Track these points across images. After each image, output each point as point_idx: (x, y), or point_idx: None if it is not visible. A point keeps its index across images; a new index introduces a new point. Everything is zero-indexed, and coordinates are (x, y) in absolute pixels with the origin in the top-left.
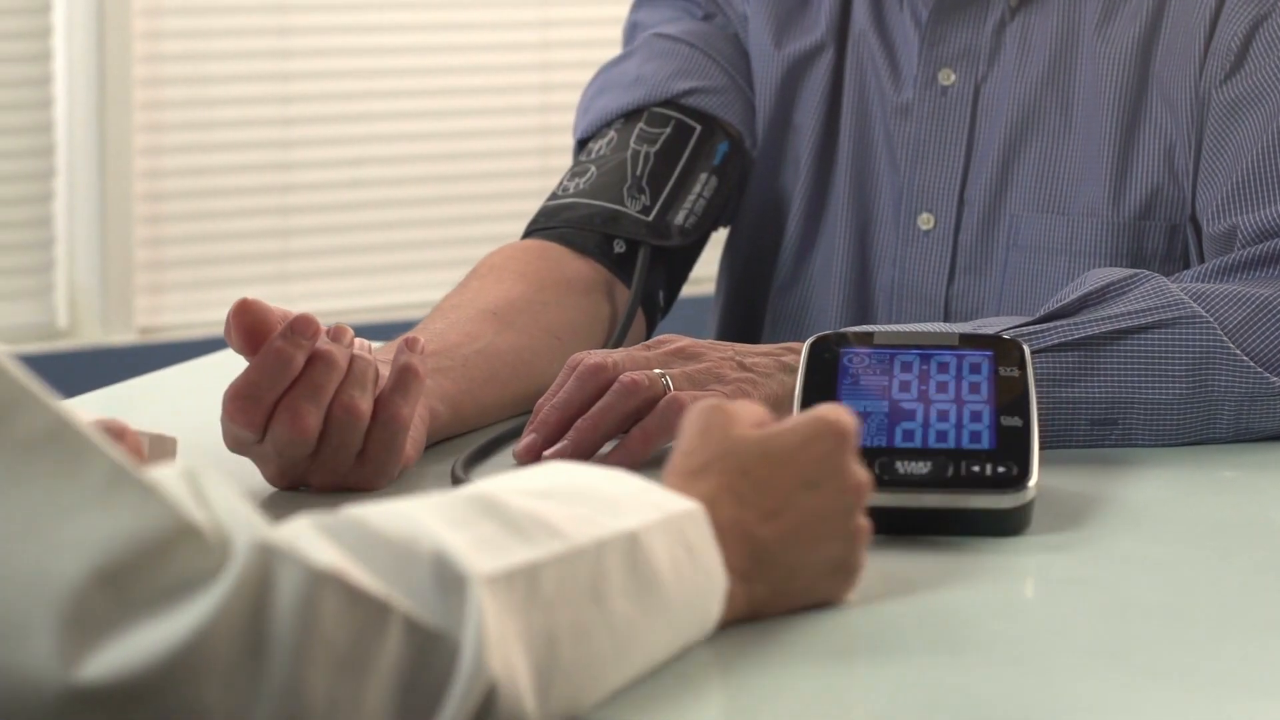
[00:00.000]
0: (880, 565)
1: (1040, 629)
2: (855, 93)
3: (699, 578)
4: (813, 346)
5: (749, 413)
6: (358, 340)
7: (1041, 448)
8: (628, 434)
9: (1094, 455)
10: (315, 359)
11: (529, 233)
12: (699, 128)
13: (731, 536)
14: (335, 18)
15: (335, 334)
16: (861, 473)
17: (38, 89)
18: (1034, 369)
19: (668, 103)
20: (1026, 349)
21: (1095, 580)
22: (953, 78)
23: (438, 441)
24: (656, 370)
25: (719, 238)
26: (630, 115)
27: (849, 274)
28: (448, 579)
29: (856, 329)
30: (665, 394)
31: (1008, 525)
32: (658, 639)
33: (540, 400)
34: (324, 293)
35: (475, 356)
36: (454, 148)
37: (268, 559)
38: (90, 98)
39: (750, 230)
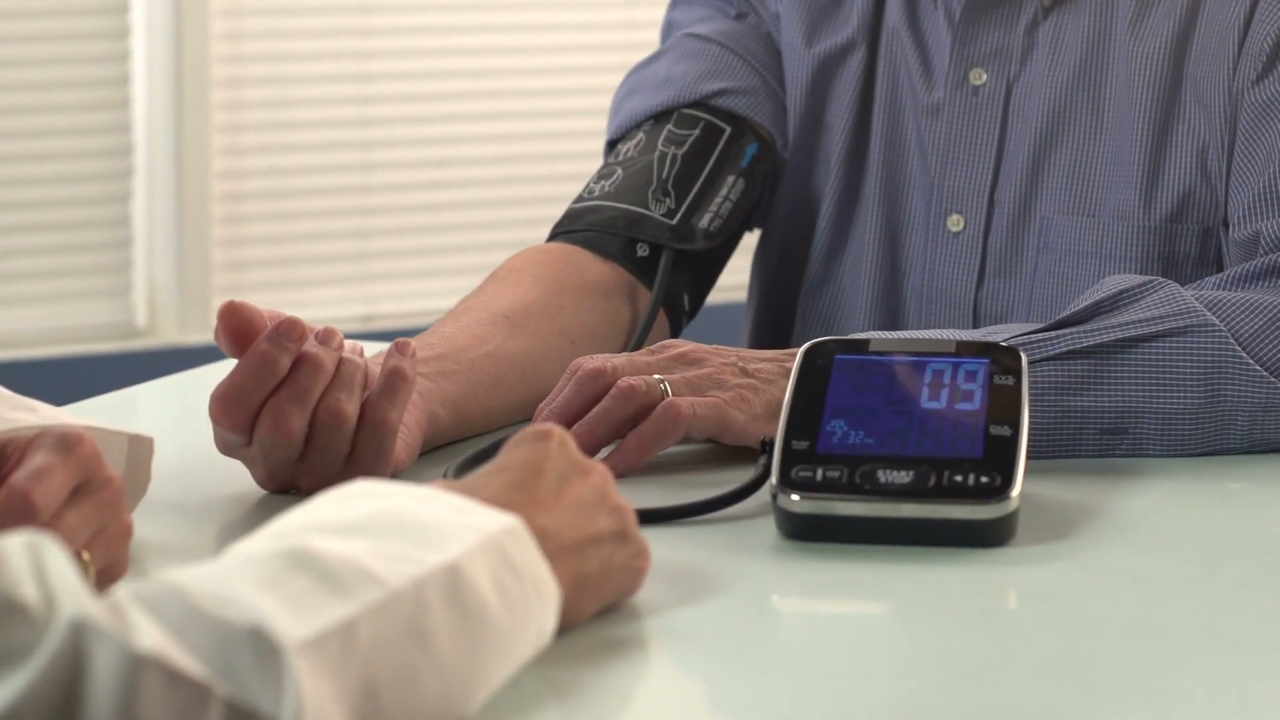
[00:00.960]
0: (854, 575)
1: (1000, 643)
2: (887, 92)
3: (528, 595)
4: (807, 353)
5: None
6: (348, 343)
7: (1051, 456)
8: (624, 440)
9: (1100, 465)
10: (301, 362)
11: (554, 235)
12: (728, 129)
13: None
14: (417, 18)
15: (323, 337)
16: (595, 462)
17: (116, 89)
18: (1042, 376)
19: (697, 104)
20: (1024, 357)
21: (1068, 594)
22: (984, 77)
23: (441, 445)
24: (656, 376)
25: (751, 242)
26: (659, 117)
27: (879, 276)
28: (264, 652)
29: (853, 336)
30: (663, 400)
31: (989, 536)
32: (491, 665)
33: (541, 404)
34: (404, 294)
35: (482, 360)
36: (535, 149)
37: (84, 638)
38: (168, 98)
39: (781, 231)
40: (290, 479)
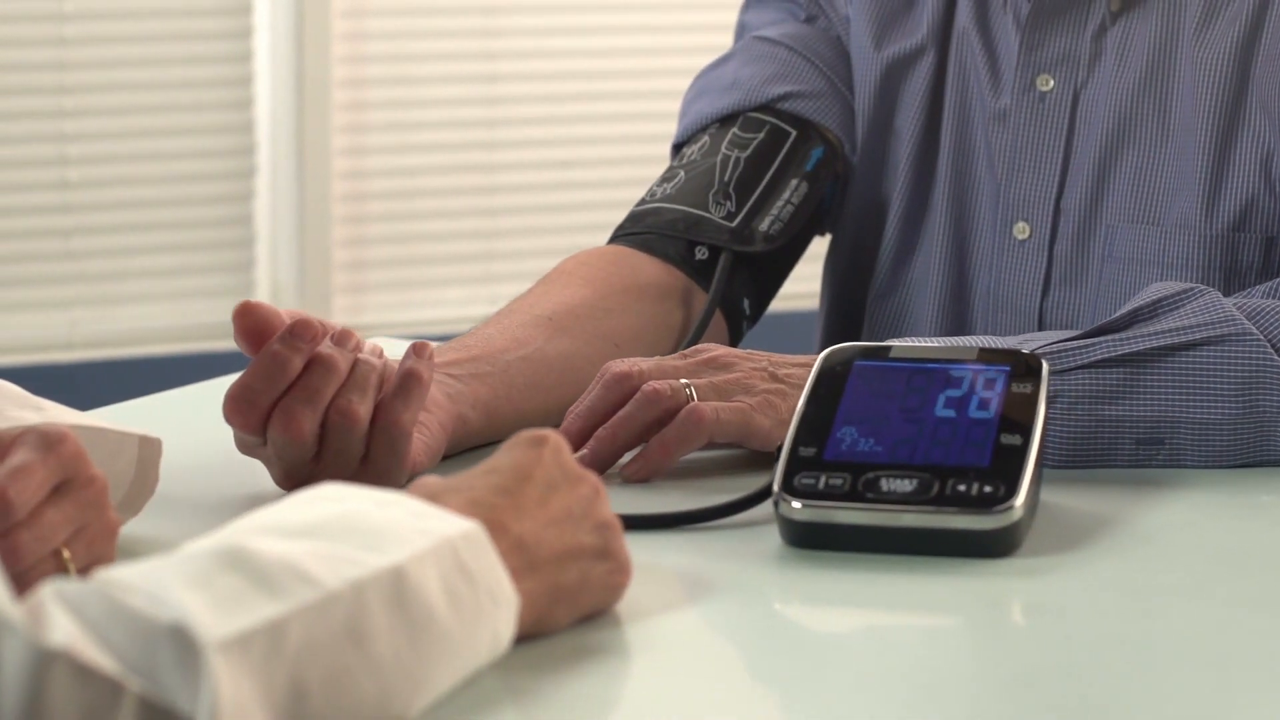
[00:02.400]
0: (851, 584)
1: (979, 656)
2: (957, 96)
3: (481, 601)
4: (826, 359)
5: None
6: (368, 344)
7: (1085, 466)
8: (647, 444)
9: (1134, 475)
10: (314, 363)
11: (614, 238)
12: (794, 133)
13: (494, 533)
14: (543, 19)
15: (339, 338)
16: (588, 473)
17: (239, 89)
18: (1076, 385)
19: (763, 108)
20: (1045, 365)
21: (1062, 608)
22: (1051, 83)
23: (474, 447)
24: (682, 380)
25: (823, 248)
26: (725, 120)
27: (947, 282)
28: (185, 650)
29: (875, 343)
30: (688, 404)
31: (990, 547)
32: (435, 669)
33: (571, 407)
34: None
35: (518, 363)
36: (660, 151)
37: None
38: (290, 98)
39: (850, 236)
40: (307, 479)
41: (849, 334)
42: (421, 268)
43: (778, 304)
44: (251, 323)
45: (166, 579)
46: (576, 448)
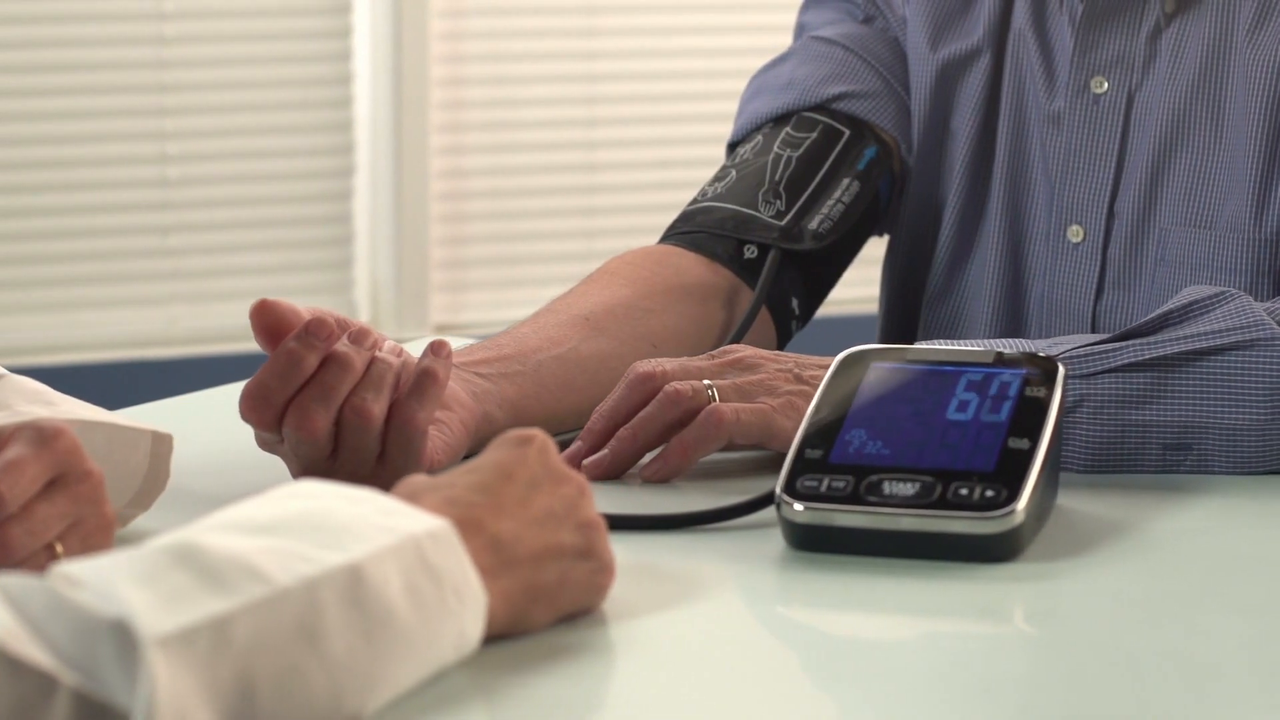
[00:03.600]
0: (848, 587)
1: (959, 663)
2: (1013, 98)
3: (446, 599)
4: (842, 361)
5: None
6: (388, 343)
7: (1112, 471)
8: (666, 445)
9: (1160, 481)
10: (329, 361)
11: (665, 237)
12: (847, 132)
13: (468, 530)
14: (643, 19)
15: (357, 337)
16: (573, 472)
17: (338, 88)
18: (1103, 389)
19: (818, 107)
20: (1061, 369)
21: (1054, 615)
22: (1105, 86)
23: None
24: (706, 381)
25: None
26: (779, 119)
27: (1002, 287)
28: (126, 646)
29: (893, 345)
30: (708, 405)
31: (990, 551)
32: (393, 668)
33: (597, 407)
34: None
35: (551, 362)
36: None
37: None
38: (388, 97)
39: (907, 238)
40: (325, 476)
41: (906, 338)
42: (520, 267)
43: (841, 307)
44: (269, 320)
45: (115, 575)
46: (599, 447)
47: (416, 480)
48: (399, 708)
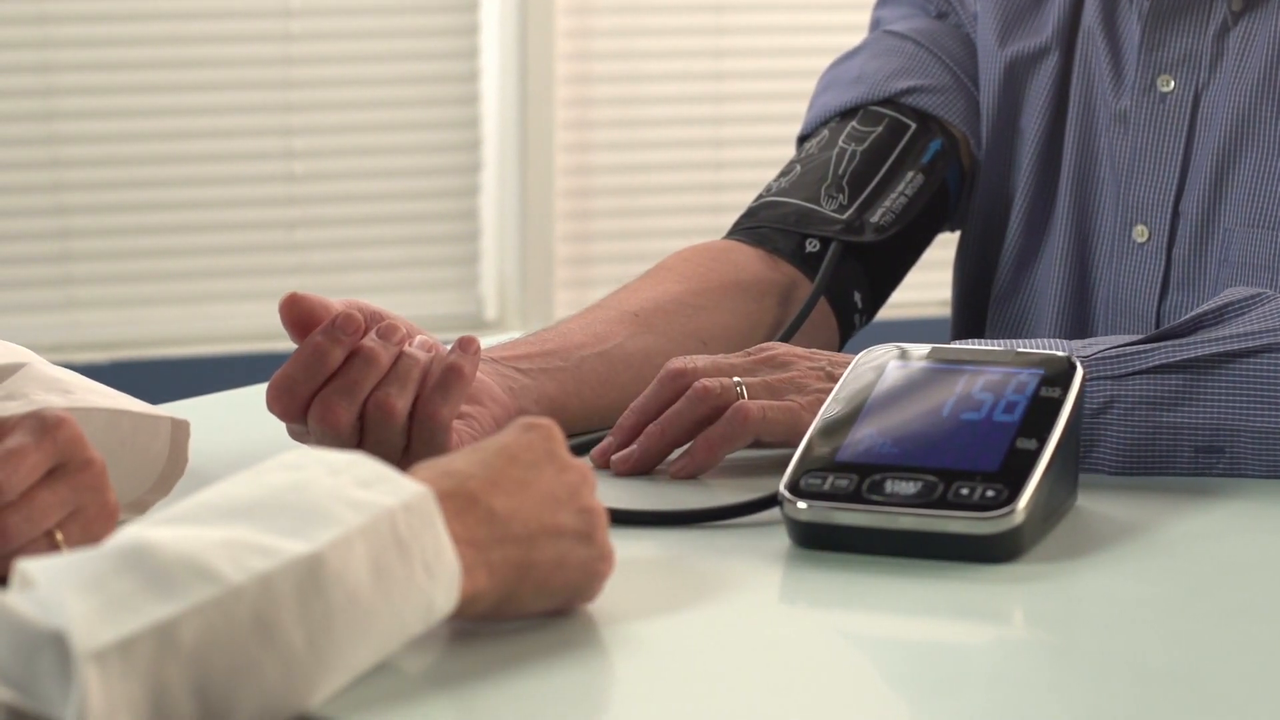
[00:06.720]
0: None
1: (957, 664)
2: (1081, 97)
3: (414, 574)
4: (861, 359)
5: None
6: (420, 338)
7: (1143, 474)
8: (693, 441)
9: (1190, 484)
10: (355, 355)
11: (730, 232)
12: (914, 125)
13: (461, 503)
14: (770, 17)
15: (385, 332)
16: (578, 461)
17: (465, 85)
18: (1134, 390)
19: (886, 101)
20: (1080, 370)
21: (1044, 618)
22: (1172, 84)
23: None
24: (735, 378)
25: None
26: (847, 113)
27: (1068, 287)
28: (64, 659)
29: (912, 344)
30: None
31: (990, 551)
32: (353, 650)
33: (631, 404)
34: None
35: (594, 359)
36: None
37: None
38: (515, 95)
39: (976, 236)
40: None
41: (976, 337)
42: (645, 264)
43: (913, 310)
44: (298, 313)
45: (64, 580)
46: (628, 443)
47: (422, 462)
48: (399, 707)
